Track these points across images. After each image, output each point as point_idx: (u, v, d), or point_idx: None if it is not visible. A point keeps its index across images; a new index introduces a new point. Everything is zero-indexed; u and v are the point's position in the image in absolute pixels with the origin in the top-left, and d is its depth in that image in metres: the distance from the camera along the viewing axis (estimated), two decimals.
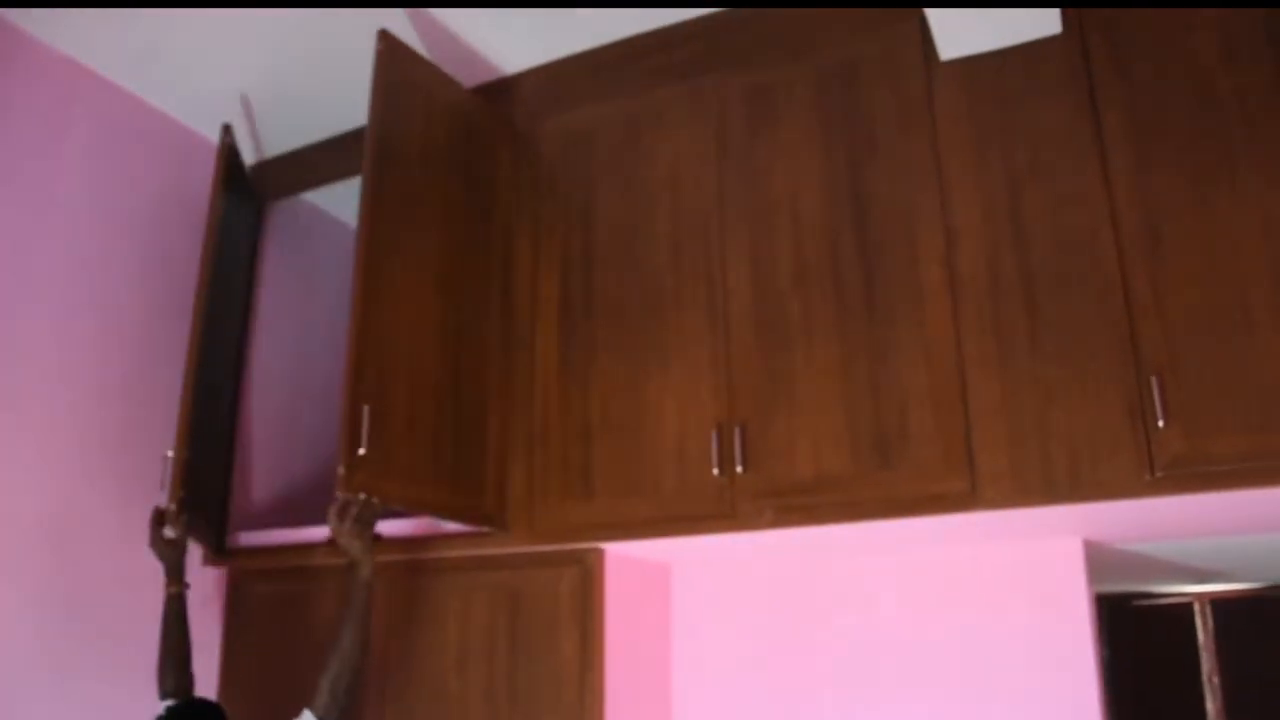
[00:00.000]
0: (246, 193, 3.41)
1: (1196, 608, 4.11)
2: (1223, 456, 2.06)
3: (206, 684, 2.98)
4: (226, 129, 3.13)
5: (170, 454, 2.75)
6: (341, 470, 2.32)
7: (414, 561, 2.88)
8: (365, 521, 2.42)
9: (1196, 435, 2.08)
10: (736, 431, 2.46)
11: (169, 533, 2.73)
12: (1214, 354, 2.11)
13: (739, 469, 2.44)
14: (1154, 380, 2.12)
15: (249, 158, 3.48)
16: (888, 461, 2.31)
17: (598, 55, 2.96)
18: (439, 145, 2.81)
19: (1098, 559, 2.97)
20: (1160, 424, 2.10)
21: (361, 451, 2.35)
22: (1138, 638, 4.22)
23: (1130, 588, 4.14)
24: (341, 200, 3.57)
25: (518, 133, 3.04)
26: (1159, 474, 2.10)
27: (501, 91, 3.11)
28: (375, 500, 2.43)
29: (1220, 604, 4.10)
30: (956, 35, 2.45)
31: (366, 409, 2.39)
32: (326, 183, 3.44)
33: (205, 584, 3.16)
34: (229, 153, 3.13)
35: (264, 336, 3.43)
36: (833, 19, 2.67)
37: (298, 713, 2.29)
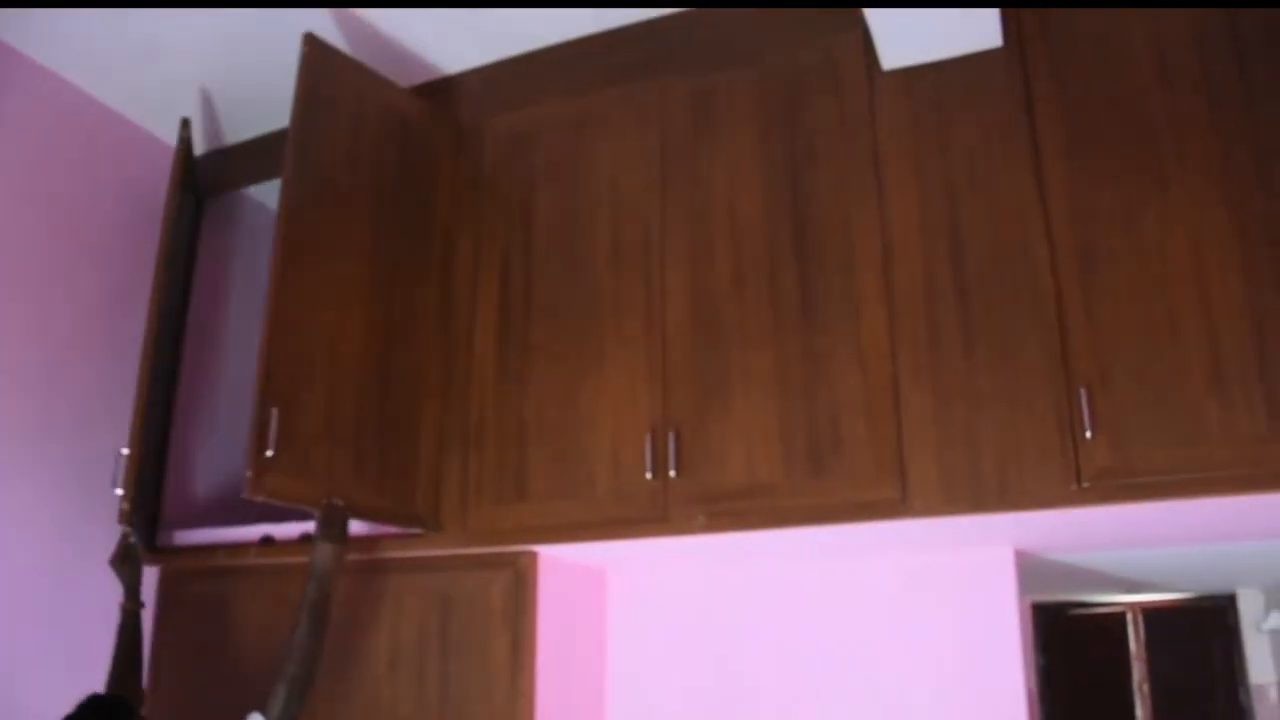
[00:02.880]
0: (189, 186, 3.37)
1: (1129, 617, 4.18)
2: (1148, 468, 2.10)
3: None
4: (185, 123, 3.10)
5: (125, 451, 2.74)
6: (249, 473, 2.31)
7: (346, 563, 2.84)
8: (330, 531, 2.47)
9: (1123, 447, 2.11)
10: (670, 436, 2.46)
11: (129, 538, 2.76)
12: (1142, 367, 2.14)
13: (672, 474, 2.43)
14: (1083, 392, 2.15)
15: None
16: (820, 469, 2.32)
17: (542, 56, 2.95)
18: (370, 146, 2.80)
19: (1029, 569, 3.00)
20: (1088, 435, 2.13)
21: (269, 454, 2.34)
22: (1073, 646, 4.28)
23: (1066, 597, 4.19)
24: None
25: (460, 132, 3.02)
26: (1085, 484, 2.12)
27: (444, 91, 3.09)
28: (339, 502, 2.47)
29: (1151, 613, 4.17)
30: (898, 45, 2.46)
31: (275, 411, 2.38)
32: (267, 178, 3.39)
33: None
34: (185, 148, 3.09)
35: (200, 332, 3.38)
36: (777, 26, 2.68)
37: (244, 716, 2.28)
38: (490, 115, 2.99)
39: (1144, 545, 2.91)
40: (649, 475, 2.46)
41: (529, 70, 2.97)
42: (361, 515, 2.62)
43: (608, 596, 3.09)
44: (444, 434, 2.77)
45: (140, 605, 2.75)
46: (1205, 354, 2.11)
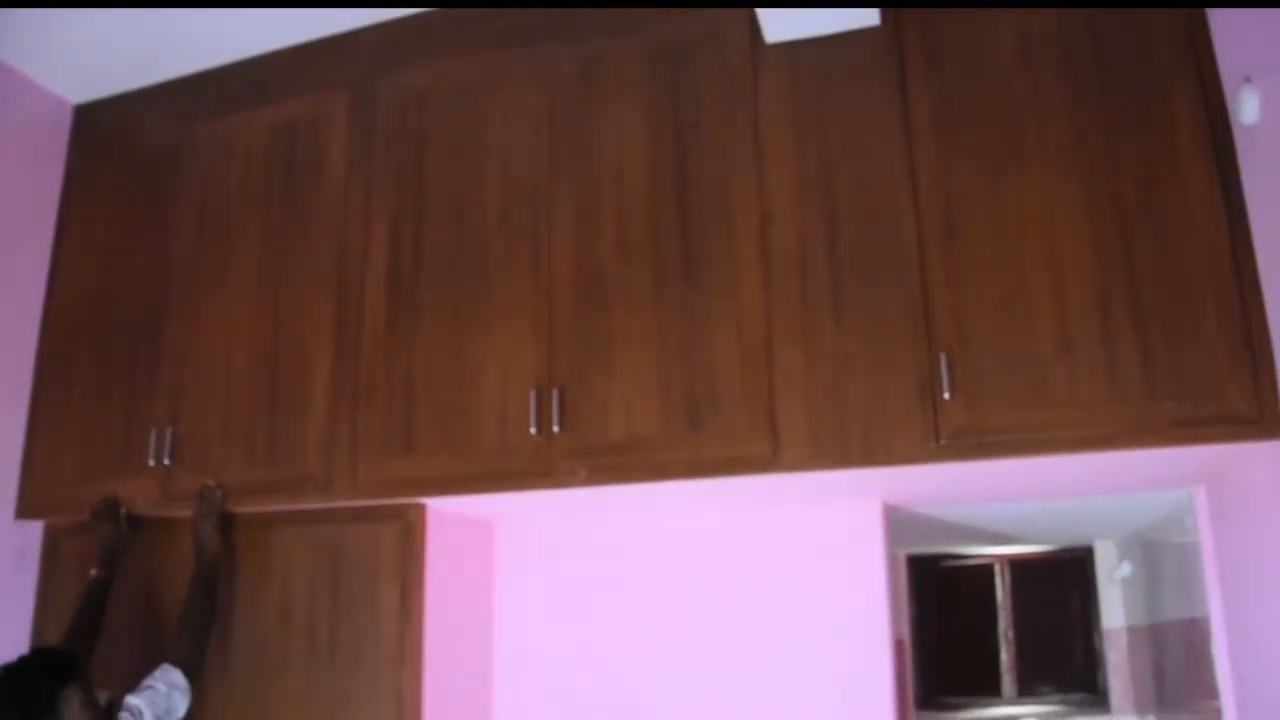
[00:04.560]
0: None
1: (997, 568, 4.40)
2: (999, 428, 2.25)
3: (20, 643, 2.96)
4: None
5: None
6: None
7: (237, 516, 2.88)
8: (207, 510, 2.75)
9: (977, 408, 2.26)
10: (555, 393, 2.54)
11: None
12: (997, 333, 2.29)
13: (556, 429, 2.52)
14: (942, 356, 2.29)
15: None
16: (696, 425, 2.43)
17: (435, 18, 2.98)
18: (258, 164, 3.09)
19: (899, 521, 3.17)
20: (946, 397, 2.27)
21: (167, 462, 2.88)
22: (946, 596, 4.50)
23: (939, 549, 4.41)
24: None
25: (355, 90, 3.03)
26: (943, 442, 2.27)
27: (339, 48, 3.09)
28: (211, 483, 2.71)
29: (1018, 564, 4.40)
30: (781, 20, 2.55)
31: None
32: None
33: (22, 539, 3.12)
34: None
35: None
36: None
37: (155, 667, 2.40)
38: (384, 73, 3.01)
39: (1001, 500, 3.09)
40: (533, 430, 2.54)
41: (423, 30, 2.99)
42: (259, 500, 2.82)
43: (495, 549, 3.17)
44: (336, 392, 2.81)
45: (110, 575, 2.78)
46: (1054, 322, 2.26)
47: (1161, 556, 3.40)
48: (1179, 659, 3.23)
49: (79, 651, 2.51)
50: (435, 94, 2.92)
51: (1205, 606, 2.80)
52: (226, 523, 2.82)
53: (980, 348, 2.29)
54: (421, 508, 2.75)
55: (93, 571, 2.75)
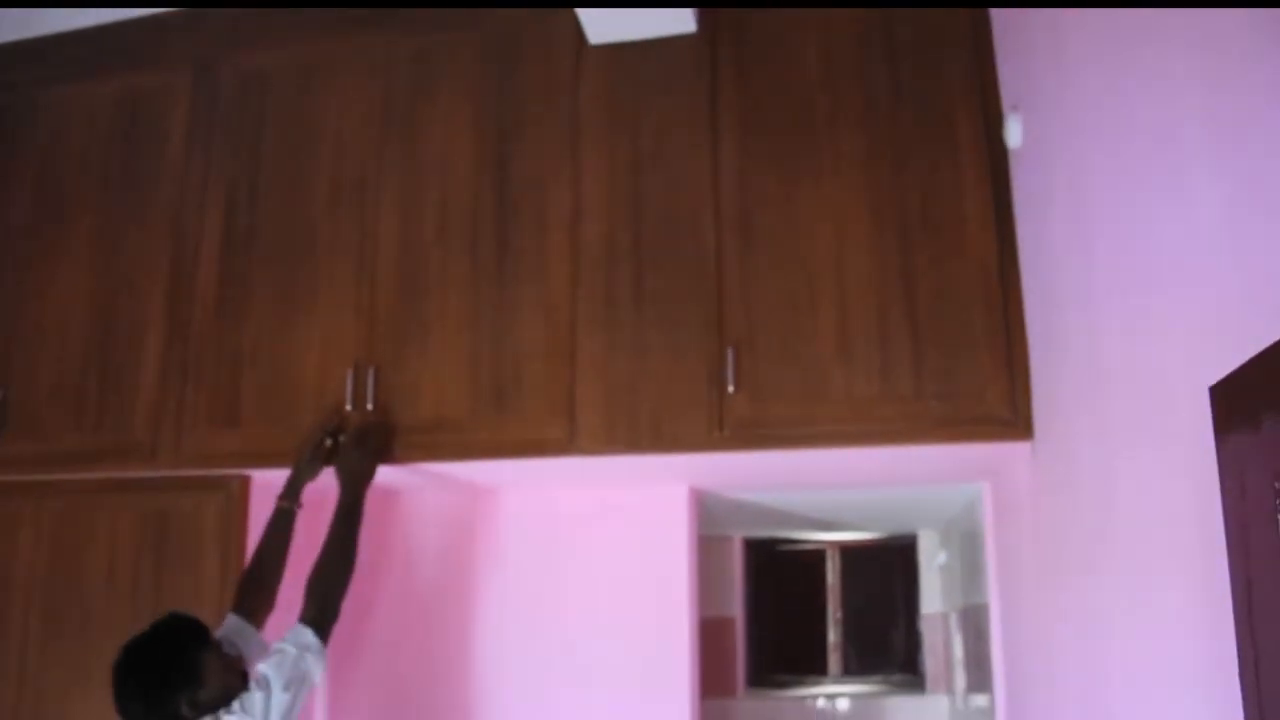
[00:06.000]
0: None
1: (829, 553, 4.60)
2: (779, 420, 2.42)
3: None
4: None
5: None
6: None
7: (64, 483, 2.93)
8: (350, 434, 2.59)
9: (759, 401, 2.42)
10: (370, 372, 2.64)
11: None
12: (782, 331, 2.45)
13: (370, 407, 2.62)
14: (730, 351, 2.44)
15: None
16: (501, 408, 2.56)
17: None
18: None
19: (718, 505, 3.33)
20: (731, 389, 2.42)
21: None
22: (780, 579, 4.69)
23: (776, 534, 4.59)
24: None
25: (198, 67, 3.07)
26: (726, 432, 2.43)
27: (185, 24, 3.12)
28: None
29: (848, 550, 4.61)
30: (602, 22, 2.67)
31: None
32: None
33: None
34: None
35: None
36: None
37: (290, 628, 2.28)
38: (228, 52, 3.05)
39: (802, 488, 3.27)
40: (349, 407, 2.63)
41: (264, 12, 3.03)
42: (83, 465, 2.87)
43: (320, 521, 3.23)
44: (166, 363, 2.86)
45: (299, 505, 2.59)
46: (835, 324, 2.44)
47: (968, 546, 3.62)
48: (973, 643, 3.45)
49: (269, 584, 2.50)
50: (275, 76, 2.98)
51: (987, 594, 3.01)
52: (379, 438, 2.61)
53: (766, 344, 2.45)
54: (246, 479, 2.81)
55: (282, 502, 2.58)
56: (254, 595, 2.49)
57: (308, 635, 2.26)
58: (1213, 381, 1.25)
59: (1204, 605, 1.33)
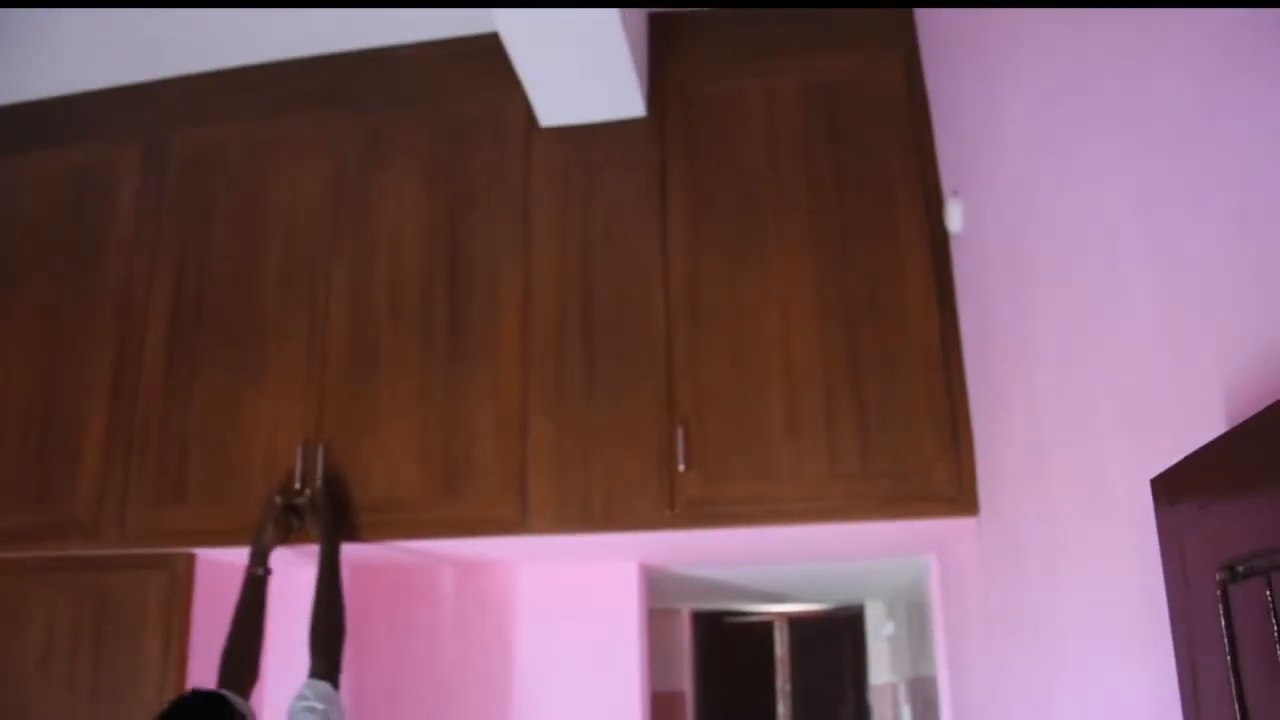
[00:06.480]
0: None
1: (776, 625, 4.62)
2: (729, 498, 2.44)
3: None
4: None
5: None
6: None
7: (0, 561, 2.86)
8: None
9: (709, 480, 2.45)
10: (320, 450, 2.63)
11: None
12: (731, 410, 2.48)
13: (319, 484, 2.60)
14: (680, 430, 2.47)
15: None
16: (453, 487, 2.56)
17: (229, 76, 3.05)
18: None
19: (665, 580, 3.33)
20: (682, 468, 2.44)
21: None
22: (728, 651, 4.69)
23: (723, 606, 4.60)
24: None
25: (149, 142, 3.07)
26: (678, 510, 2.45)
27: (137, 99, 3.13)
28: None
29: (796, 622, 4.63)
30: (554, 105, 2.72)
31: None
32: None
33: None
34: None
35: None
36: (448, 74, 2.89)
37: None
38: (179, 128, 3.07)
39: (750, 563, 3.29)
40: (298, 486, 2.62)
41: (217, 88, 3.06)
42: (22, 544, 2.82)
43: (267, 597, 3.20)
44: (109, 440, 2.83)
45: (268, 571, 2.60)
46: (784, 403, 2.47)
47: (915, 617, 3.65)
48: (922, 714, 3.47)
49: (250, 651, 2.50)
50: (227, 152, 3.00)
51: (935, 665, 3.04)
52: (330, 499, 2.61)
53: (716, 424, 2.48)
54: (190, 557, 2.78)
55: (253, 569, 2.58)
56: (238, 666, 2.49)
57: (324, 687, 2.32)
58: (1150, 467, 1.28)
59: (1150, 685, 1.37)
